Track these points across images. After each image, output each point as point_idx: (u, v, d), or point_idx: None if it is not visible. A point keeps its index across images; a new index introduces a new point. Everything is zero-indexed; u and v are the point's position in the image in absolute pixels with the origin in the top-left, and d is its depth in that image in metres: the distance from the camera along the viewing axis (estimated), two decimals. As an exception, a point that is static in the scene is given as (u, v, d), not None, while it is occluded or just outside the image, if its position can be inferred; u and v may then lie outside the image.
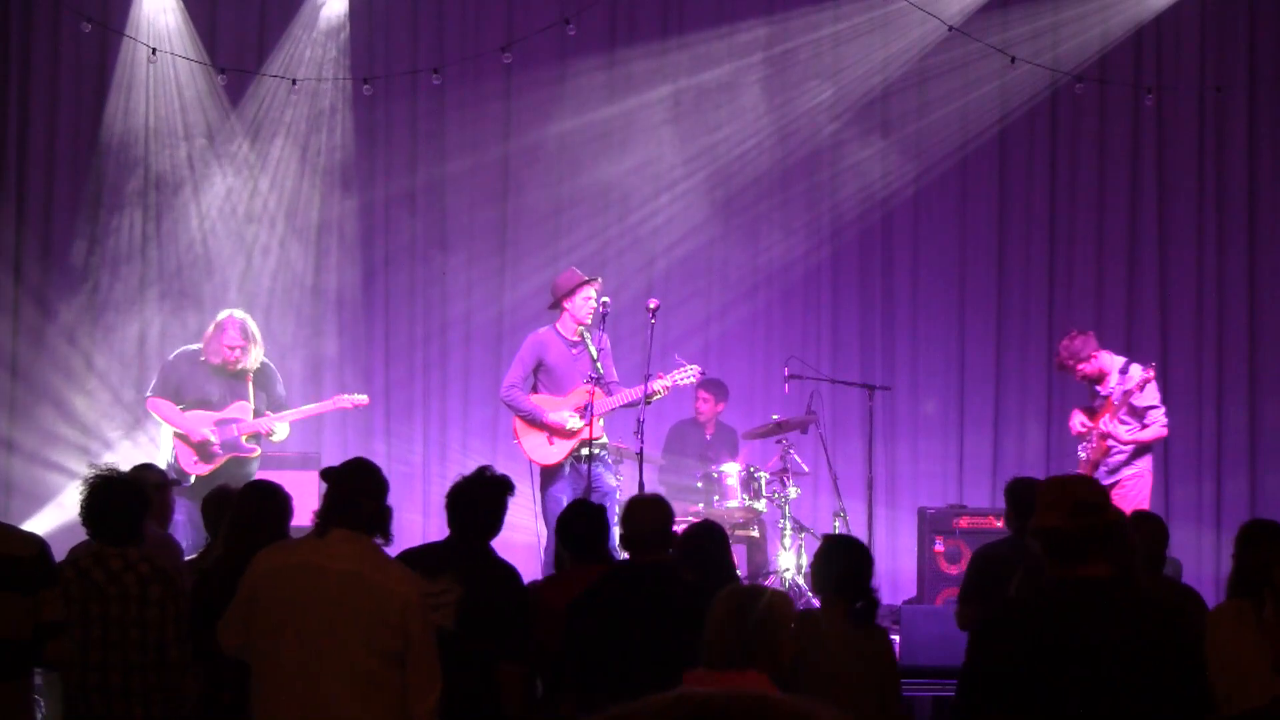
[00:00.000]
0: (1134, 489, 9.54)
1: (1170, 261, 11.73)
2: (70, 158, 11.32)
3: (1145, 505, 9.36)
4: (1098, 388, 9.76)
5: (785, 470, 9.99)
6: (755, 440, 10.64)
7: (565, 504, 8.78)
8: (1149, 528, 5.95)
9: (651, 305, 9.24)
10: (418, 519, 10.92)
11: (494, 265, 11.67)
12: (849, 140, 11.67)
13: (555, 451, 9.16)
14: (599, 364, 9.14)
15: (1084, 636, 3.80)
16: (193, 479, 9.05)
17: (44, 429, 10.96)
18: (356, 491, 4.81)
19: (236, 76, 11.27)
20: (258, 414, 9.30)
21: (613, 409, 9.24)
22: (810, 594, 8.72)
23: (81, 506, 5.44)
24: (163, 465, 8.96)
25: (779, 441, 10.18)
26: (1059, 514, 3.87)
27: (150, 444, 10.68)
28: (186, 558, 6.90)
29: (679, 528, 9.63)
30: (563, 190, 11.69)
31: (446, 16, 11.67)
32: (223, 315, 9.48)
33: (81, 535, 5.64)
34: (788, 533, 9.83)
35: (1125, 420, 9.55)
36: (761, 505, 9.99)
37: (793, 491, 9.96)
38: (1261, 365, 11.67)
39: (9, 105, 11.22)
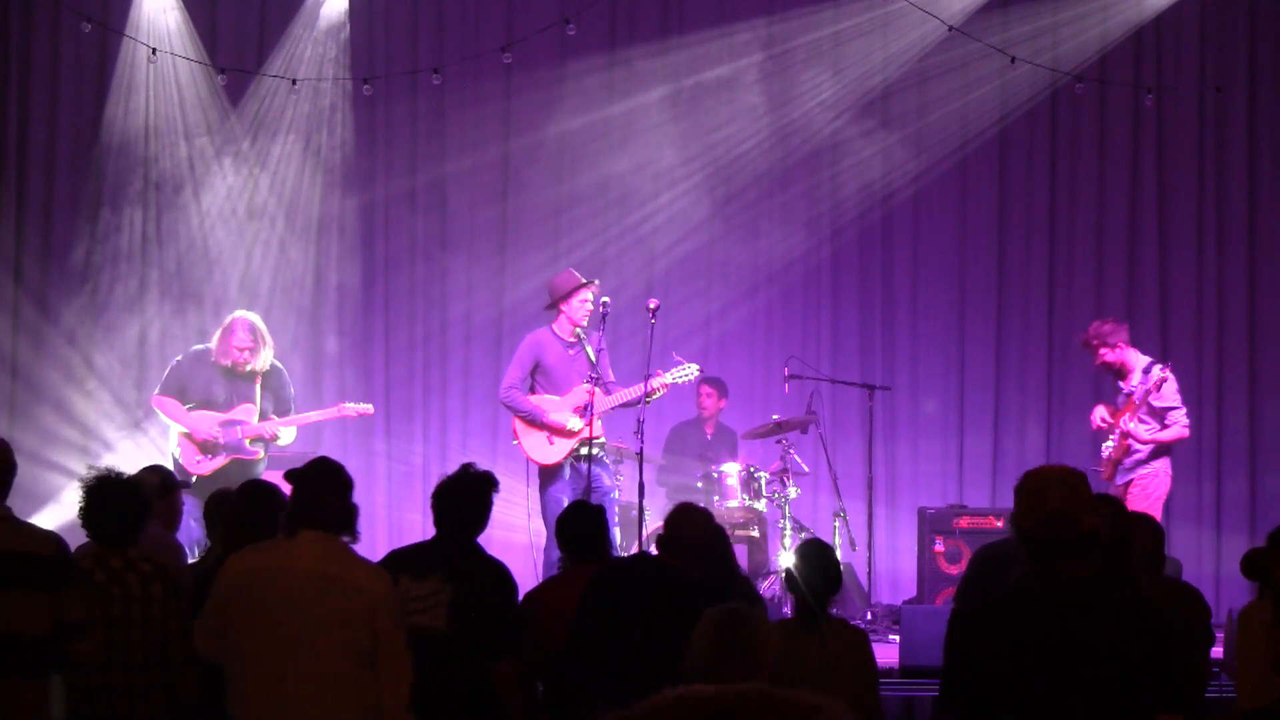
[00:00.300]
0: (1147, 488, 9.35)
1: (1170, 261, 11.73)
2: (70, 158, 11.32)
3: (1159, 506, 9.25)
4: (1120, 384, 9.62)
5: (785, 470, 9.99)
6: (755, 440, 10.64)
7: (565, 504, 8.83)
8: (1146, 530, 5.94)
9: (651, 305, 9.24)
10: (418, 519, 10.92)
11: (494, 265, 11.67)
12: (849, 140, 11.67)
13: (555, 451, 9.16)
14: (596, 364, 9.16)
15: (1055, 635, 3.78)
16: (194, 479, 9.04)
17: (44, 429, 10.96)
18: (321, 491, 4.83)
19: (236, 76, 11.28)
20: (263, 416, 9.30)
21: (612, 408, 9.24)
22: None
23: (80, 507, 5.44)
24: (168, 463, 8.98)
25: (779, 441, 10.17)
26: (1033, 519, 3.83)
27: (151, 444, 10.69)
28: (191, 560, 6.91)
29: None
30: (563, 190, 11.69)
31: (446, 16, 11.67)
32: (232, 316, 9.49)
33: (81, 536, 5.64)
34: (788, 533, 9.83)
35: (1145, 420, 9.37)
36: (761, 505, 9.99)
37: (793, 491, 9.96)
38: (1261, 365, 11.67)
39: (9, 105, 11.22)
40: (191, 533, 8.42)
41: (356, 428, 11.24)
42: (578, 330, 9.26)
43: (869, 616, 9.82)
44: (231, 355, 9.25)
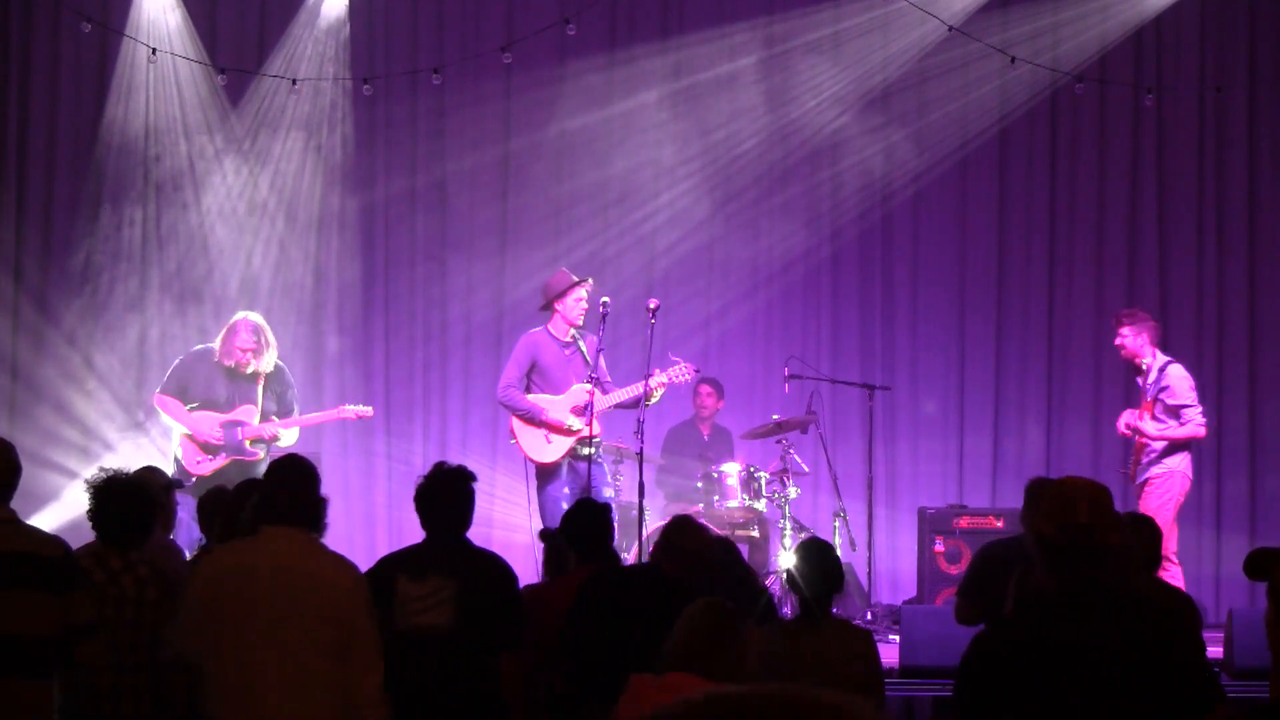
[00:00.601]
0: (1160, 488, 9.11)
1: (1170, 261, 11.73)
2: (70, 158, 11.33)
3: (1171, 506, 9.01)
4: (1139, 381, 9.52)
5: (785, 470, 9.99)
6: (755, 440, 10.64)
7: (562, 503, 8.85)
8: (1146, 531, 5.94)
9: (651, 305, 9.24)
10: (418, 518, 10.91)
11: (494, 265, 11.67)
12: (849, 140, 11.67)
13: (553, 450, 9.16)
14: (591, 364, 9.16)
15: (1082, 641, 3.80)
16: (194, 480, 9.04)
17: (44, 429, 10.96)
18: (287, 487, 4.86)
19: (236, 76, 11.28)
20: (265, 417, 9.30)
21: (610, 407, 9.24)
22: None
23: (90, 508, 5.45)
24: (169, 462, 8.98)
25: (779, 441, 10.17)
26: (1053, 526, 3.86)
27: (151, 444, 10.69)
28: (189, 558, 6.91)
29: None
30: (563, 190, 11.70)
31: (446, 16, 11.68)
32: (236, 317, 9.49)
33: (81, 536, 5.64)
34: (788, 533, 9.83)
35: (1161, 419, 9.19)
36: (761, 505, 9.99)
37: (793, 491, 9.96)
38: (1261, 365, 11.67)
39: (9, 105, 11.22)
40: (191, 531, 8.42)
41: (356, 428, 11.24)
42: (573, 330, 9.27)
43: (869, 616, 9.83)
44: (235, 356, 9.26)
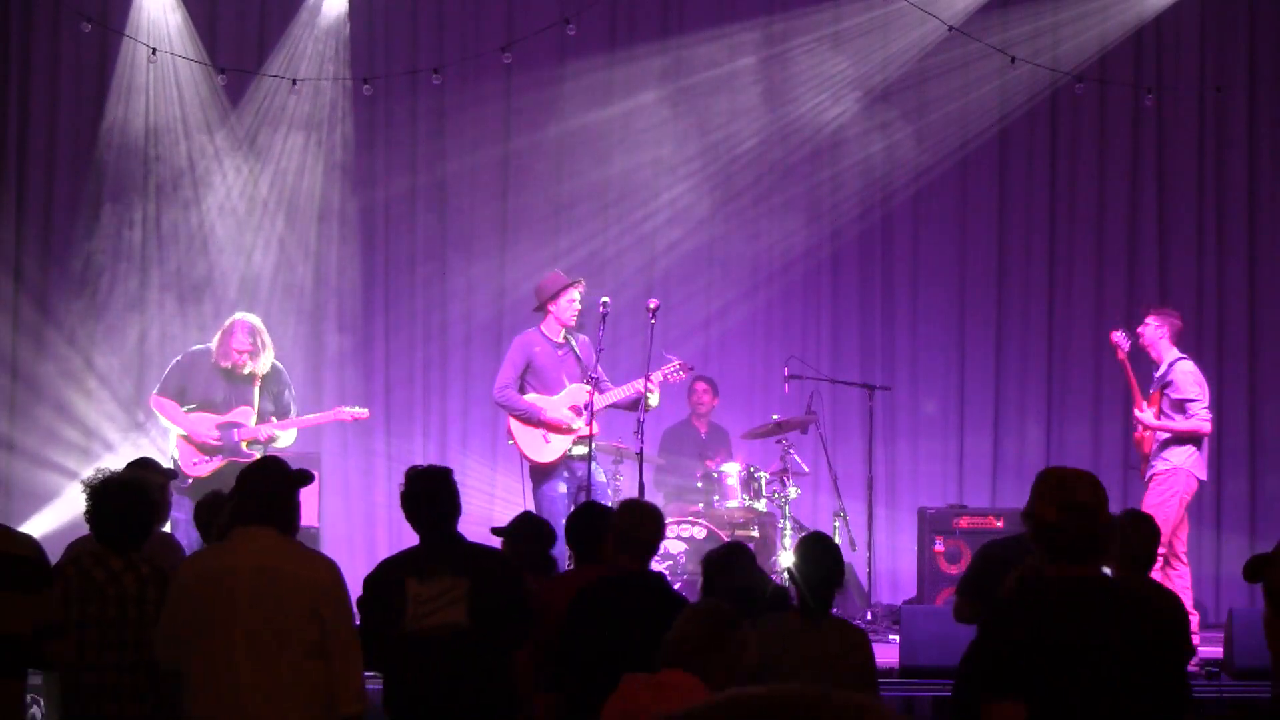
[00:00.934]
0: (1163, 484, 8.94)
1: (1170, 261, 11.73)
2: (70, 158, 11.33)
3: (1175, 503, 8.85)
4: (1155, 375, 9.43)
5: (785, 470, 9.99)
6: (755, 440, 10.64)
7: (559, 502, 8.85)
8: (1144, 528, 5.94)
9: (651, 305, 9.23)
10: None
11: (494, 265, 11.67)
12: (849, 140, 11.67)
13: (551, 450, 9.16)
14: (584, 364, 9.16)
15: (1082, 634, 3.82)
16: (190, 481, 9.02)
17: (44, 429, 10.96)
18: (261, 488, 4.88)
19: (236, 76, 11.28)
20: (262, 419, 9.29)
21: (606, 406, 9.23)
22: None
23: (87, 511, 5.43)
24: (167, 463, 8.96)
25: (779, 441, 10.17)
26: (1052, 508, 3.92)
27: (151, 444, 10.68)
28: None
29: (681, 528, 9.72)
30: (563, 190, 11.70)
31: (446, 16, 11.68)
32: (233, 318, 9.47)
33: (81, 535, 5.63)
34: (788, 533, 9.83)
35: (1168, 414, 9.06)
36: (761, 505, 9.99)
37: (793, 491, 9.96)
38: (1261, 365, 11.67)
39: (9, 105, 11.22)
40: (190, 533, 8.41)
41: (356, 428, 11.24)
42: (565, 331, 9.27)
43: (869, 616, 9.83)
44: (231, 357, 9.24)
